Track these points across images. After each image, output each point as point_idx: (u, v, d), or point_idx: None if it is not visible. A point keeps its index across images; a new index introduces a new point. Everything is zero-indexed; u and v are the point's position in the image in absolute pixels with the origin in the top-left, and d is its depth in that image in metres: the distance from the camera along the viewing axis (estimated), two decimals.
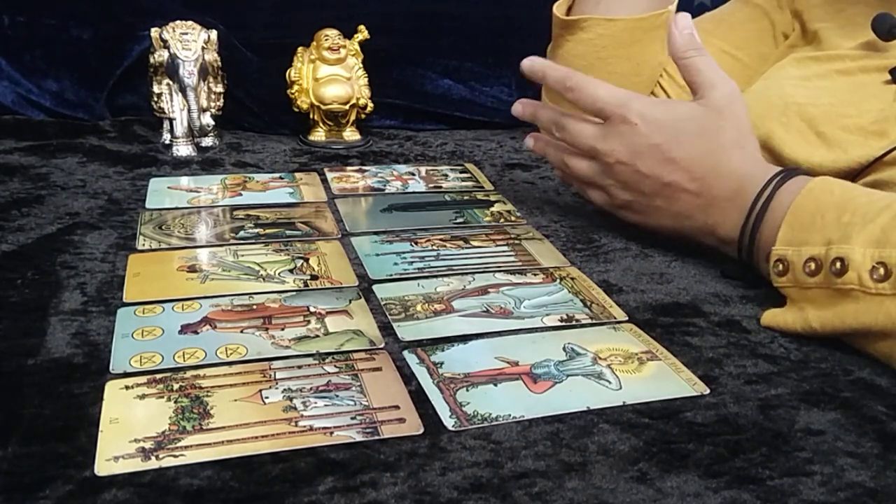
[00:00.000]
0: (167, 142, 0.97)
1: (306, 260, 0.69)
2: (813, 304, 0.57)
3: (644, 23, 0.90)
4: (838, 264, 0.54)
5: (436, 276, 0.67)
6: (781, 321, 0.59)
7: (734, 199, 0.65)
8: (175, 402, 0.49)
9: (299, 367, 0.53)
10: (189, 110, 0.93)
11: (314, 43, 1.02)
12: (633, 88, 0.93)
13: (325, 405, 0.49)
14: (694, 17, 1.00)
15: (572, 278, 0.68)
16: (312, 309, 0.61)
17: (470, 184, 0.91)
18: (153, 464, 0.43)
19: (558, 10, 0.94)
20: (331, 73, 1.01)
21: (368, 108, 1.03)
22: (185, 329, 0.57)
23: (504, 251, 0.73)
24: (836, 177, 0.64)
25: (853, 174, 0.72)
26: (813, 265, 0.56)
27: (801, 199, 0.59)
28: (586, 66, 0.92)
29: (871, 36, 0.77)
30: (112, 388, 0.50)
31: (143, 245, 0.71)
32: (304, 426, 0.47)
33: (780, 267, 0.59)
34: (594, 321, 0.61)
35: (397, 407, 0.49)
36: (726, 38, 0.94)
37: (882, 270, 0.52)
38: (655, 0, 0.91)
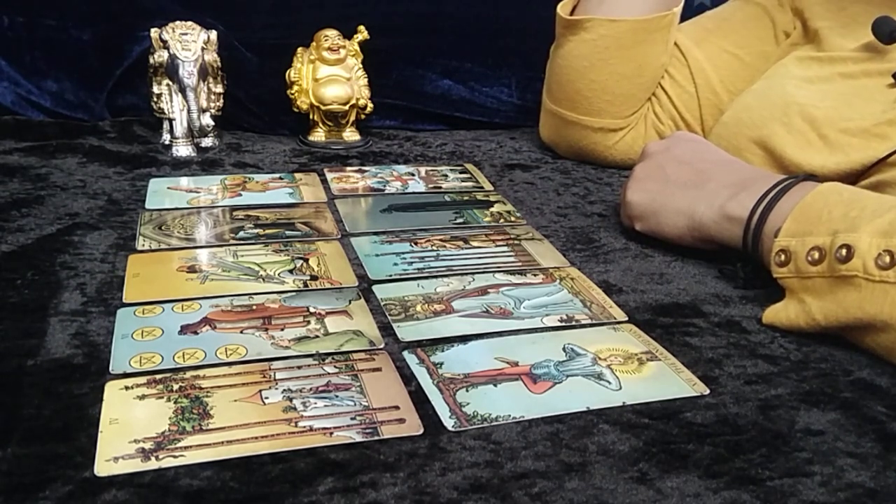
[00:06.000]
0: (167, 142, 0.97)
1: (306, 260, 0.69)
2: (813, 294, 0.57)
3: (647, 24, 0.90)
4: (844, 251, 0.54)
5: (436, 277, 0.67)
6: (784, 317, 0.59)
7: (753, 183, 0.65)
8: (175, 402, 0.48)
9: (299, 367, 0.53)
10: (189, 111, 0.93)
11: (314, 43, 1.02)
12: (636, 89, 0.94)
13: (325, 405, 0.49)
14: (694, 16, 1.01)
15: (572, 278, 0.68)
16: (312, 309, 0.60)
17: (470, 184, 0.91)
18: (153, 464, 0.43)
19: (562, 9, 0.94)
20: (331, 74, 1.01)
21: (368, 109, 1.03)
22: (184, 329, 0.57)
23: (504, 251, 0.73)
24: (839, 181, 0.64)
25: (855, 175, 0.72)
26: (816, 254, 0.56)
27: (809, 198, 0.59)
28: (588, 67, 0.92)
29: (872, 36, 0.77)
30: (112, 389, 0.50)
31: (143, 245, 0.71)
32: (304, 426, 0.47)
33: (783, 258, 0.59)
34: (594, 321, 0.61)
35: (397, 407, 0.49)
36: (727, 37, 0.94)
37: (888, 258, 0.52)
38: (659, 2, 0.91)
